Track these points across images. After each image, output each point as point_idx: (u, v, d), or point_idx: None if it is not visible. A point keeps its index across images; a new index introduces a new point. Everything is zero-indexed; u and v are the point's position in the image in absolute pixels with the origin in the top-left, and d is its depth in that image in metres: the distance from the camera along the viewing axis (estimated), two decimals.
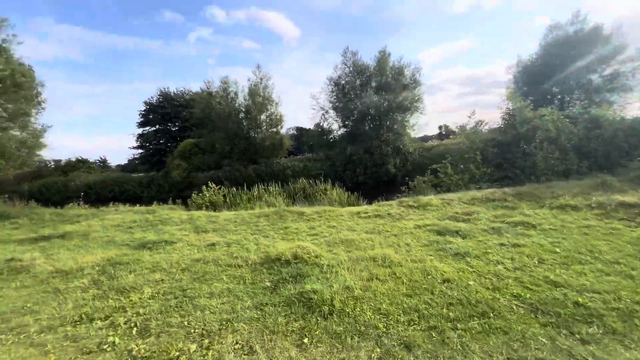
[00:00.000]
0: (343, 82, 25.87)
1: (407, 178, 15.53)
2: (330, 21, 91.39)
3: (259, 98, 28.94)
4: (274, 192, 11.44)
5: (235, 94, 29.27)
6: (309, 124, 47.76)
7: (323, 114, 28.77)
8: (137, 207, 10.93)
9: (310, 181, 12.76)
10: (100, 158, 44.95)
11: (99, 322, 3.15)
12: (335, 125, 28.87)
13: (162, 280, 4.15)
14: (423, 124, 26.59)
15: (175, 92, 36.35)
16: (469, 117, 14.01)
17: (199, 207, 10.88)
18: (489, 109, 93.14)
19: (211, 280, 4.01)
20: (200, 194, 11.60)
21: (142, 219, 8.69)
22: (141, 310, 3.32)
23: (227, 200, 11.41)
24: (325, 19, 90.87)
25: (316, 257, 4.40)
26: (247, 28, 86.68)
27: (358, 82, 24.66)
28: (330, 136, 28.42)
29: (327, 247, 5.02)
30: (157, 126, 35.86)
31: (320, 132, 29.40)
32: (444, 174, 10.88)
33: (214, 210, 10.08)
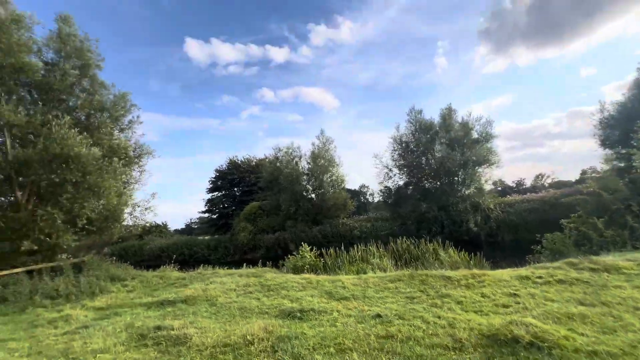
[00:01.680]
0: (409, 140, 25.86)
1: (491, 237, 13.52)
2: (366, 92, 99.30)
3: (321, 160, 29.91)
4: (376, 254, 10.42)
5: (300, 157, 30.73)
6: (353, 185, 47.68)
7: (387, 172, 28.47)
8: (236, 270, 10.56)
9: (409, 241, 11.58)
10: (162, 223, 48.46)
11: None
12: (401, 182, 28.16)
13: None
14: (497, 178, 24.53)
15: (242, 159, 39.43)
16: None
17: (297, 271, 10.15)
18: (542, 162, 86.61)
19: None
20: (295, 256, 10.97)
21: (255, 283, 8.14)
22: None
23: (328, 262, 10.60)
24: (362, 90, 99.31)
25: (564, 337, 3.23)
26: (292, 103, 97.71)
27: (424, 139, 24.40)
28: (397, 195, 27.50)
29: (553, 323, 3.79)
30: (224, 191, 38.26)
31: (386, 191, 28.73)
32: (590, 230, 9.01)
33: (316, 274, 9.27)
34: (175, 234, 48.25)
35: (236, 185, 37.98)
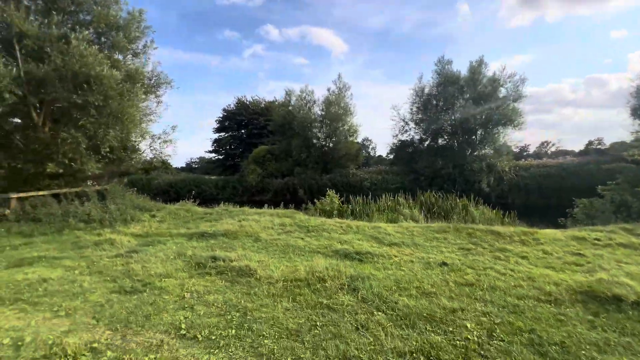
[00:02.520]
0: (432, 92, 24.47)
1: (501, 199, 13.38)
2: (377, 38, 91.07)
3: (336, 108, 28.65)
4: (406, 205, 10.36)
5: (314, 103, 29.39)
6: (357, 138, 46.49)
7: (403, 126, 27.59)
8: (263, 209, 10.54)
9: (436, 194, 11.46)
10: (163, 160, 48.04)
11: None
12: (416, 137, 27.48)
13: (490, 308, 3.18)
14: (518, 140, 23.86)
15: (251, 100, 37.82)
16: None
17: (326, 215, 10.15)
18: (549, 129, 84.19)
19: (549, 321, 2.95)
20: (323, 200, 10.90)
21: (290, 223, 8.12)
22: None
23: (356, 209, 10.58)
24: (373, 35, 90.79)
25: None
26: (298, 44, 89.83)
27: (450, 92, 23.05)
28: (411, 148, 27.01)
29: None
30: (232, 132, 37.41)
31: (401, 145, 28.16)
32: (631, 197, 8.83)
33: (344, 220, 9.25)
34: (178, 172, 48.50)
35: (244, 126, 37.00)
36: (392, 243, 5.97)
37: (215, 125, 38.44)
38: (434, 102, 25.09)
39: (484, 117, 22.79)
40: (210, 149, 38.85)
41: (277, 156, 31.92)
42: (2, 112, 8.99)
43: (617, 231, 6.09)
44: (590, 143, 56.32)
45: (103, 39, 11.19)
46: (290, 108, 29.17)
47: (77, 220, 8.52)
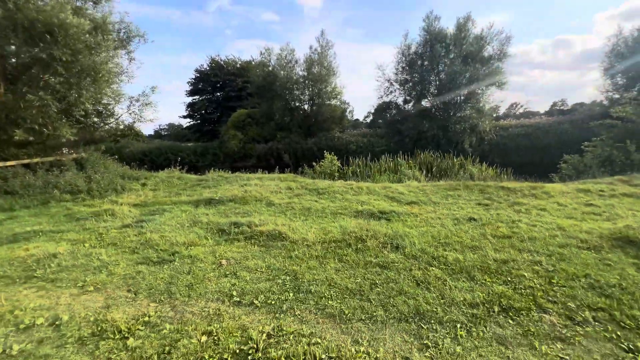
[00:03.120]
0: (419, 51, 23.84)
1: (483, 158, 13.92)
2: None
3: (319, 68, 27.35)
4: (406, 165, 10.39)
5: (295, 62, 27.79)
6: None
7: (388, 87, 27.06)
8: (261, 174, 10.19)
9: (432, 155, 11.57)
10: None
11: None
12: (400, 99, 27.21)
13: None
14: (499, 101, 24.32)
15: (225, 59, 35.14)
16: None
17: (327, 177, 10.00)
18: (518, 91, 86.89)
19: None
20: (322, 163, 10.67)
21: (297, 186, 7.90)
22: None
23: (357, 171, 10.48)
24: None
25: None
26: None
27: (438, 50, 22.54)
28: (396, 110, 26.84)
29: None
30: (207, 95, 35.10)
31: (385, 106, 27.86)
32: (616, 152, 9.35)
33: (346, 181, 9.18)
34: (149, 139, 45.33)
35: (220, 89, 34.72)
36: (410, 202, 5.98)
37: (188, 88, 35.75)
38: (420, 61, 24.55)
39: (468, 76, 22.75)
40: (184, 113, 36.45)
41: (258, 120, 30.65)
42: None
43: (616, 183, 6.49)
44: (554, 104, 59.05)
45: None
46: (270, 68, 27.46)
47: (62, 192, 7.78)
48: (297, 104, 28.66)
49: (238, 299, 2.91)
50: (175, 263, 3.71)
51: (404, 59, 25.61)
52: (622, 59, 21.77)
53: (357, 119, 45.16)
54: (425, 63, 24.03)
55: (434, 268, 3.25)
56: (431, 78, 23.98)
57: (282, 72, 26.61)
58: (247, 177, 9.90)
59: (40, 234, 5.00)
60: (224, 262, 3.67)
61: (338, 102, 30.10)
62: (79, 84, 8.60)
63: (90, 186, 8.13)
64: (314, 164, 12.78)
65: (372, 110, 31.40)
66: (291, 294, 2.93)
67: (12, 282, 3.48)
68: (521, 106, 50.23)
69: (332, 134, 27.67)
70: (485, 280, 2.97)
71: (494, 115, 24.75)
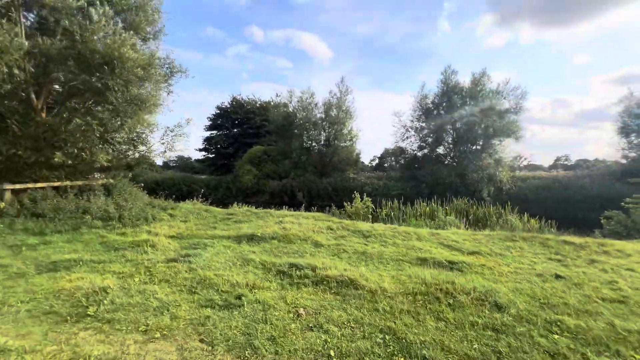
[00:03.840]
0: (436, 101, 24.80)
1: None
2: (363, 47, 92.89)
3: (337, 111, 28.36)
4: (441, 211, 10.05)
5: (315, 105, 28.93)
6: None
7: (403, 133, 27.72)
8: (296, 212, 9.88)
9: (468, 202, 11.27)
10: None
11: None
12: (415, 145, 27.67)
13: None
14: (517, 154, 24.60)
15: (246, 99, 36.79)
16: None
17: (359, 218, 9.64)
18: (519, 144, 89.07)
19: None
20: (351, 205, 10.36)
21: (337, 227, 7.54)
22: None
23: (392, 214, 10.13)
24: (358, 44, 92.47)
25: None
26: (282, 47, 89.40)
27: (455, 101, 23.42)
28: (411, 155, 27.17)
29: None
30: (225, 131, 36.16)
31: (399, 151, 28.27)
32: None
33: (378, 223, 8.79)
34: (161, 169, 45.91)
35: (238, 125, 35.85)
36: (472, 251, 5.56)
37: (207, 123, 36.99)
38: (436, 111, 25.42)
39: (484, 127, 23.29)
40: (200, 146, 37.25)
41: (274, 157, 31.08)
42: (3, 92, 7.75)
43: None
44: (558, 159, 59.71)
45: (121, 18, 10.17)
46: (291, 109, 28.55)
47: (93, 218, 7.47)
48: (314, 144, 29.24)
49: None
50: (245, 309, 3.27)
51: (420, 107, 26.57)
52: (637, 118, 22.30)
53: (362, 162, 45.86)
54: (442, 112, 24.83)
55: (556, 335, 2.79)
56: (448, 127, 24.59)
57: (302, 113, 27.56)
58: (279, 213, 9.58)
59: (81, 263, 4.61)
60: (301, 311, 3.23)
61: (353, 145, 30.72)
62: (125, 112, 8.74)
63: (122, 213, 7.84)
64: (331, 204, 12.48)
65: (379, 155, 31.89)
66: (401, 359, 2.46)
67: (63, 320, 3.05)
68: (525, 159, 50.79)
69: (346, 174, 27.77)
70: (634, 356, 2.50)
71: (516, 165, 24.77)
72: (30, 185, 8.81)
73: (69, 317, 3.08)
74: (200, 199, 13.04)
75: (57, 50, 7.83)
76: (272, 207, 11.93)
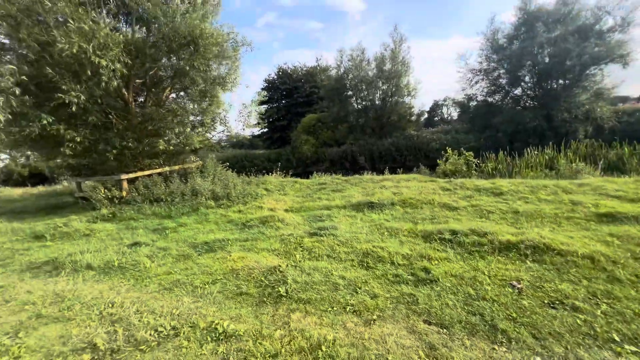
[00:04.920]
0: (512, 34, 21.21)
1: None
2: None
3: (392, 65, 26.02)
4: (561, 157, 8.64)
5: (367, 62, 26.90)
6: None
7: (470, 78, 24.61)
8: (391, 175, 9.38)
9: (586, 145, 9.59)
10: None
11: None
12: (485, 91, 24.52)
13: None
14: (621, 80, 20.37)
15: (292, 67, 35.80)
16: None
17: (451, 175, 8.73)
18: None
19: None
20: (452, 161, 9.39)
21: (452, 187, 6.83)
22: None
23: (499, 168, 9.05)
24: None
25: None
26: (311, 8, 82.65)
27: (538, 28, 19.72)
28: (483, 102, 24.26)
29: None
30: (277, 103, 36.05)
31: (468, 99, 25.44)
32: None
33: (489, 179, 7.79)
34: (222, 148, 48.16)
35: (287, 96, 35.39)
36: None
37: (255, 97, 37.15)
38: (512, 46, 21.81)
39: (576, 54, 19.41)
40: (254, 122, 37.90)
41: (328, 124, 30.41)
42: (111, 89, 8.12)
43: None
44: None
45: None
46: (342, 70, 27.02)
47: (206, 198, 7.83)
48: (369, 104, 27.69)
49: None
50: (444, 283, 2.91)
51: (490, 46, 23.08)
52: None
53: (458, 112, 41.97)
54: (521, 46, 21.23)
55: None
56: (527, 62, 21.08)
57: (355, 72, 25.94)
58: (371, 178, 9.14)
59: (229, 242, 4.70)
60: (517, 284, 2.76)
61: (415, 98, 28.44)
62: (211, 92, 8.72)
63: (229, 192, 8.09)
64: (397, 165, 11.49)
65: (427, 109, 29.15)
66: None
67: (260, 301, 3.00)
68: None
69: (408, 132, 26.10)
70: None
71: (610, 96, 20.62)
72: (139, 173, 9.53)
73: (264, 298, 3.03)
74: (280, 172, 13.25)
75: (152, 41, 7.87)
76: (336, 174, 11.61)
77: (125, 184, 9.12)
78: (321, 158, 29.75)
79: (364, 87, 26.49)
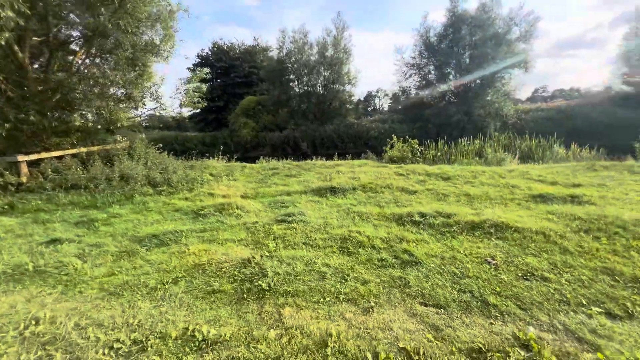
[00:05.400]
0: (442, 33, 23.16)
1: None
2: None
3: (334, 51, 26.20)
4: (488, 147, 9.83)
5: (310, 45, 26.50)
6: None
7: (405, 71, 26.37)
8: (341, 161, 9.40)
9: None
10: None
11: None
12: (417, 85, 26.60)
13: None
14: (520, 84, 24.19)
15: (227, 44, 33.25)
16: None
17: (400, 162, 9.31)
18: None
19: None
20: (396, 148, 9.92)
21: (404, 172, 7.20)
22: None
23: (438, 155, 9.84)
24: None
25: None
26: None
27: (463, 32, 21.97)
28: (414, 95, 26.27)
29: None
30: (213, 82, 33.20)
31: (402, 92, 27.23)
32: None
33: (430, 165, 8.55)
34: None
35: (224, 75, 32.90)
36: (573, 184, 5.43)
37: (188, 74, 33.55)
38: (442, 45, 23.91)
39: (491, 58, 22.34)
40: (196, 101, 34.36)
41: (269, 107, 29.35)
42: None
43: None
44: (535, 91, 59.98)
45: None
46: (284, 52, 26.11)
47: (141, 185, 6.74)
48: (312, 90, 27.52)
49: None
50: (428, 264, 2.98)
51: (422, 42, 24.91)
52: None
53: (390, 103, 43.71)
54: (448, 45, 23.41)
55: None
56: (452, 62, 23.44)
57: (297, 55, 25.33)
58: (324, 163, 9.09)
59: (183, 234, 4.09)
60: (491, 261, 2.97)
61: (356, 86, 29.20)
62: (143, 60, 7.42)
63: (169, 177, 7.12)
64: (337, 152, 11.89)
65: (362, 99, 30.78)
66: None
67: (239, 297, 2.65)
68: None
69: (349, 120, 26.84)
70: None
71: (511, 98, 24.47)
72: (44, 154, 7.74)
73: (244, 295, 2.69)
74: (220, 157, 12.38)
75: None
76: (279, 159, 11.41)
77: (24, 168, 7.32)
78: (262, 143, 28.66)
79: (306, 71, 26.10)
